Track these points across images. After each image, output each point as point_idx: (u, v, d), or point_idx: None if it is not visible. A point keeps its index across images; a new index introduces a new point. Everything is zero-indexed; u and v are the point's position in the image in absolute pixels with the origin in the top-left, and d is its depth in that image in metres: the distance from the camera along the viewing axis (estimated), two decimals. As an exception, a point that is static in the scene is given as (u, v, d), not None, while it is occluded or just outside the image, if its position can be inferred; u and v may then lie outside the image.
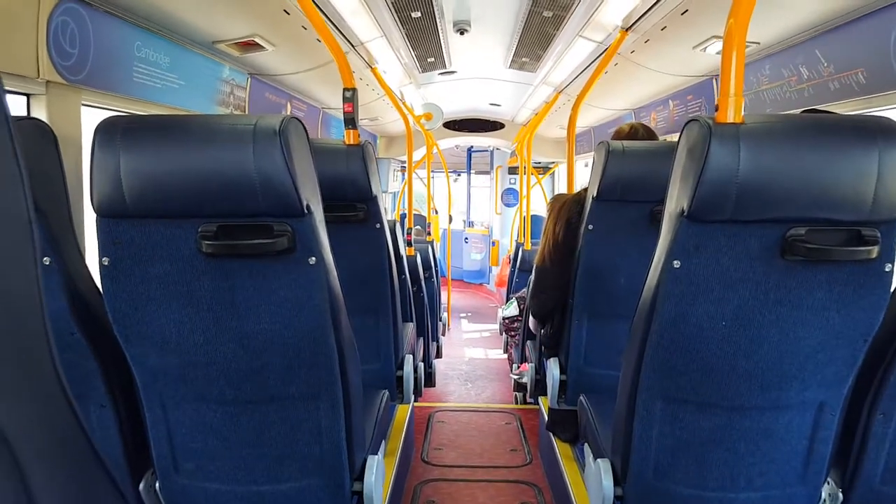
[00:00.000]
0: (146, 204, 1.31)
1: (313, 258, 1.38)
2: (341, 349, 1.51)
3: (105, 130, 1.30)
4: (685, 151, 1.32)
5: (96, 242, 1.38)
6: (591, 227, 2.30)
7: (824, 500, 1.60)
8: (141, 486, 1.66)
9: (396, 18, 3.85)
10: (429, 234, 7.11)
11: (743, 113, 1.29)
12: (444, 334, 6.18)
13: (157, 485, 1.63)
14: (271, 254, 1.36)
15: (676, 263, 1.34)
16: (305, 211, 1.34)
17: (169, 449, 1.56)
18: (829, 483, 1.61)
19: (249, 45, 3.38)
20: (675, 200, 1.35)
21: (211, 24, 2.97)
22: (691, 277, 1.35)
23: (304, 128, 1.41)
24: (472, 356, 6.36)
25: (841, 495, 1.61)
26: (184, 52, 3.00)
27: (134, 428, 1.61)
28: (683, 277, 1.35)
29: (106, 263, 1.36)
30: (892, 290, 1.36)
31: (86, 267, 1.60)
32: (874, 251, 1.28)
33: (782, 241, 1.30)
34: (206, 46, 3.19)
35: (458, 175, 12.30)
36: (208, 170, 1.29)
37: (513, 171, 10.79)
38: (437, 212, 10.11)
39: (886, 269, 1.32)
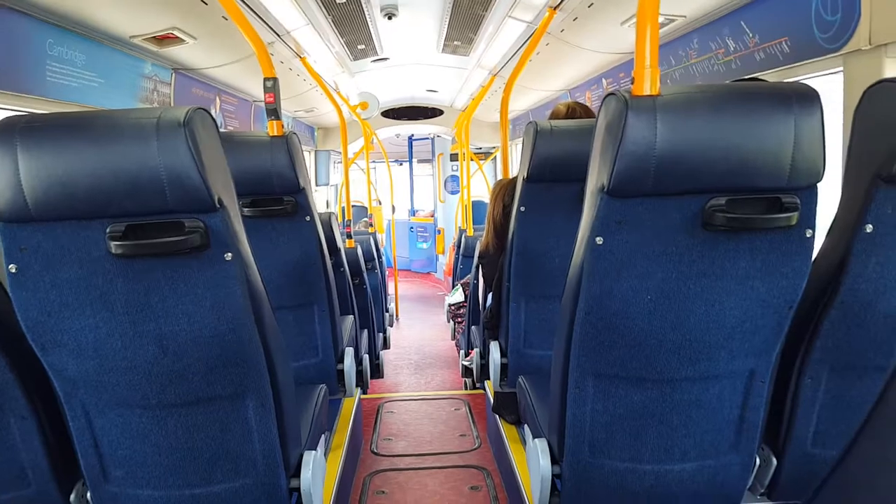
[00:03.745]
0: (50, 206, 1.24)
1: (229, 254, 1.33)
2: (266, 346, 1.46)
3: (1, 132, 1.22)
4: (604, 126, 1.31)
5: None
6: (522, 208, 2.29)
7: (758, 467, 1.63)
8: (72, 496, 1.60)
9: (321, 4, 3.77)
10: (371, 225, 7.05)
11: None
12: (391, 325, 6.14)
13: (89, 495, 1.57)
14: (184, 251, 1.30)
15: (599, 240, 1.33)
16: (217, 205, 1.29)
17: (96, 458, 1.50)
18: (762, 449, 1.64)
19: (169, 39, 3.26)
20: (596, 177, 1.34)
21: (125, 18, 2.85)
22: (615, 253, 1.34)
23: (213, 119, 1.35)
24: (422, 345, 6.34)
25: (774, 461, 1.64)
26: (100, 49, 2.88)
27: (59, 438, 1.55)
28: (607, 254, 1.34)
29: (13, 271, 1.29)
30: (813, 255, 1.37)
31: None
32: (793, 217, 1.28)
33: (703, 213, 1.30)
34: (123, 42, 3.07)
35: (401, 164, 12.23)
36: (112, 167, 1.22)
37: (455, 157, 10.76)
38: (379, 202, 10.04)
39: (807, 235, 1.33)
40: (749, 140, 1.24)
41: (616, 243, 1.33)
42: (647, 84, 1.27)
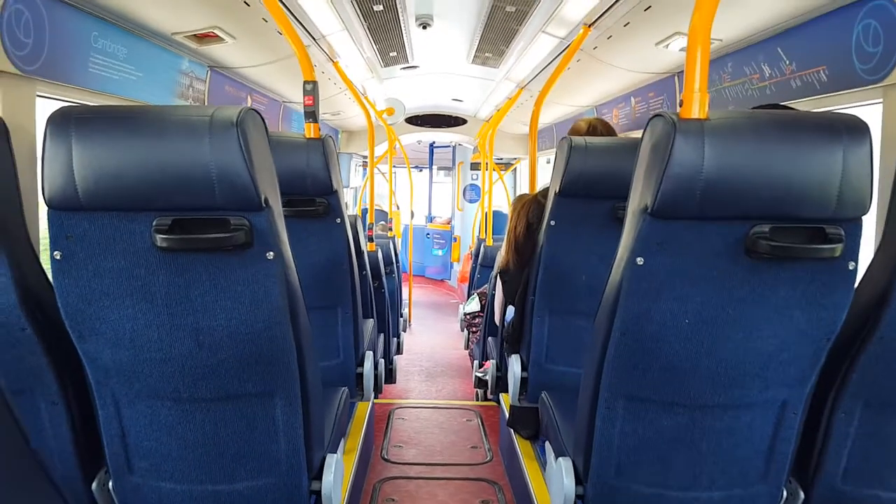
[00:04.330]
0: (99, 196, 1.27)
1: (271, 253, 1.35)
2: (299, 346, 1.48)
3: (57, 121, 1.26)
4: (649, 147, 1.31)
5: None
6: (553, 222, 2.29)
7: (785, 500, 1.61)
8: (94, 485, 1.62)
9: (359, 11, 3.80)
10: (390, 229, 7.07)
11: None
12: (405, 330, 6.14)
13: (111, 484, 1.58)
14: (228, 248, 1.32)
15: (640, 260, 1.33)
16: (263, 205, 1.31)
17: (122, 447, 1.52)
18: (790, 482, 1.62)
19: (209, 37, 3.30)
20: (639, 197, 1.34)
21: (169, 15, 2.89)
22: (654, 274, 1.34)
23: (263, 119, 1.37)
24: (433, 352, 6.33)
25: (802, 494, 1.61)
26: (141, 44, 2.92)
27: (87, 425, 1.57)
28: (646, 274, 1.34)
29: (58, 257, 1.32)
30: (854, 288, 1.36)
31: (38, 261, 1.55)
32: (838, 249, 1.28)
33: (746, 239, 1.29)
34: (165, 38, 3.11)
35: (421, 170, 12.28)
36: (163, 162, 1.25)
37: (475, 167, 10.79)
38: (398, 207, 10.08)
39: (850, 268, 1.32)
40: (796, 169, 1.24)
41: (656, 264, 1.33)
42: (696, 107, 1.27)
